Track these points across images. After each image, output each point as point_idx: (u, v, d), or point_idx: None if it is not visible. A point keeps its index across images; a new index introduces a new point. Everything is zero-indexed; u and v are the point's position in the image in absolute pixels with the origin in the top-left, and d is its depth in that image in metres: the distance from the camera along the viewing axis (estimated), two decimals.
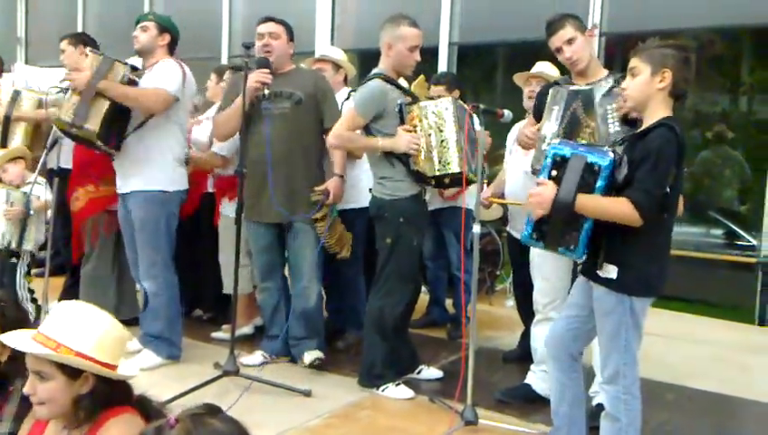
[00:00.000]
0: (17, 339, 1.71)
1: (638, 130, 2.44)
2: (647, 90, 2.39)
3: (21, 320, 2.00)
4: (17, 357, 1.85)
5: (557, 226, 2.41)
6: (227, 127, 3.80)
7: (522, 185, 3.46)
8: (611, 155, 2.38)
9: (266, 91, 3.63)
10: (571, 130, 2.91)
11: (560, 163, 2.39)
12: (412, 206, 3.47)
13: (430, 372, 3.78)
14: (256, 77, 3.59)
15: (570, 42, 3.05)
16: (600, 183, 2.34)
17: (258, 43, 3.72)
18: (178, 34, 3.91)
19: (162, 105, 3.67)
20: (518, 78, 4.11)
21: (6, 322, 1.93)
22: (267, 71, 3.63)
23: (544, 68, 4.01)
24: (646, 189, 2.30)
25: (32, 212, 4.04)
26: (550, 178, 2.40)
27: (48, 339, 1.67)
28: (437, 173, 3.35)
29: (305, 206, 3.73)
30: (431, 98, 3.66)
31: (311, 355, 3.81)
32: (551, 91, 3.05)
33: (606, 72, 3.13)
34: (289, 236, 3.81)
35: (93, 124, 3.55)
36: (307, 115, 3.73)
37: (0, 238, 4.05)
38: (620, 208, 2.32)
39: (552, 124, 2.97)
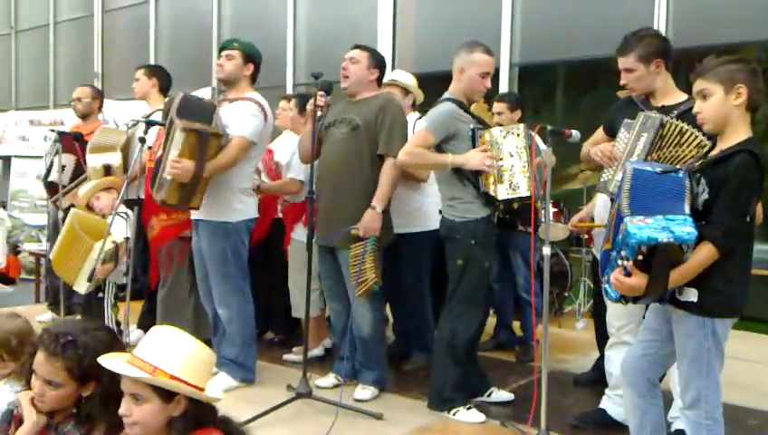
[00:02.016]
0: (115, 362, 1.79)
1: (718, 155, 2.35)
2: (723, 109, 2.32)
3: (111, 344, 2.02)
4: (96, 395, 1.94)
5: (649, 299, 2.38)
6: (301, 151, 3.95)
7: (609, 207, 3.37)
8: (688, 213, 2.23)
9: (319, 114, 3.72)
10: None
11: (646, 252, 2.24)
12: (483, 228, 3.46)
13: (501, 395, 3.74)
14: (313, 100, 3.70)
15: (628, 71, 2.99)
16: (688, 253, 2.26)
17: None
18: (261, 61, 3.99)
19: (243, 155, 3.77)
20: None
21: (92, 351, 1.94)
22: (322, 93, 3.65)
23: None
24: (722, 224, 2.25)
25: (121, 266, 4.10)
26: (635, 261, 2.27)
27: (144, 363, 1.74)
28: (507, 196, 3.34)
29: (343, 233, 3.66)
30: (501, 124, 3.66)
31: (362, 392, 3.79)
32: (641, 116, 2.84)
33: (684, 97, 2.97)
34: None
35: (196, 202, 3.74)
36: (362, 142, 3.69)
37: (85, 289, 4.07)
38: (704, 258, 2.26)
39: (637, 151, 2.78)
